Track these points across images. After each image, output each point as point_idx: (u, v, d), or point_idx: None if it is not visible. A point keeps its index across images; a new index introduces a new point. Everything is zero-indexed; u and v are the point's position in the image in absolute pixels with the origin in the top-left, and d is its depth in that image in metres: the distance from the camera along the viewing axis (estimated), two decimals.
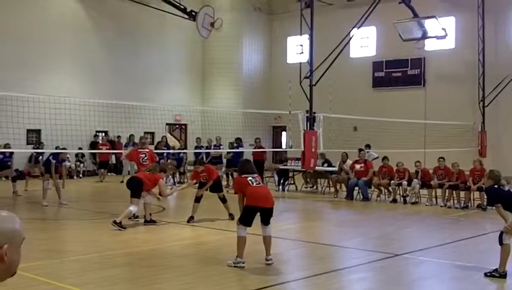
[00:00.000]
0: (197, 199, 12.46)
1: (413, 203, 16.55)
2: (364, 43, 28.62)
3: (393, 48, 26.41)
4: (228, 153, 21.36)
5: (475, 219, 14.12)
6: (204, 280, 7.56)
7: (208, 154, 21.71)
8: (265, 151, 22.02)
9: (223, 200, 12.72)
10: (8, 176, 18.22)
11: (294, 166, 20.36)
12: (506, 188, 8.18)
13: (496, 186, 8.12)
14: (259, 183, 8.49)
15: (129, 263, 8.51)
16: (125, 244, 9.96)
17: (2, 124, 18.73)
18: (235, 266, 8.07)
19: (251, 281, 7.59)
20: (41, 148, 19.28)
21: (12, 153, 17.75)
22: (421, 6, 23.20)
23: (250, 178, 8.43)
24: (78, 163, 25.20)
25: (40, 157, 20.23)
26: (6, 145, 17.30)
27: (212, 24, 22.78)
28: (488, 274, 7.75)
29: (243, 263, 8.10)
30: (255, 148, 20.94)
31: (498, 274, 7.69)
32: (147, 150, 13.41)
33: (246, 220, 8.21)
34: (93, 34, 26.52)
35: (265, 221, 8.34)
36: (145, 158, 12.95)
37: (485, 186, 10.63)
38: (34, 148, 22.15)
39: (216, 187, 12.74)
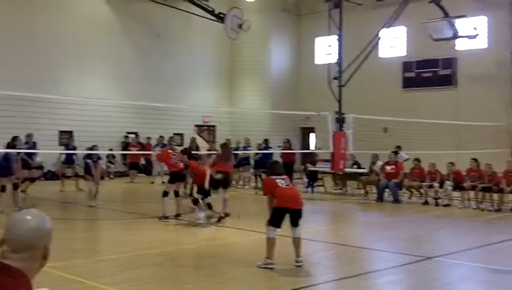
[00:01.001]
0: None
1: (445, 206, 16.30)
2: (394, 43, 28.38)
3: (423, 47, 26.12)
4: (256, 154, 21.35)
5: (508, 222, 13.88)
6: (234, 280, 7.57)
7: (236, 155, 21.71)
8: (294, 153, 21.93)
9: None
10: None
11: (323, 167, 20.26)
12: None
13: None
14: (288, 185, 8.47)
15: (160, 263, 8.55)
16: (157, 244, 10.02)
17: (35, 125, 19.01)
18: (264, 268, 8.06)
19: (280, 282, 7.58)
20: (72, 149, 19.47)
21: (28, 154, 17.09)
22: (452, 5, 22.92)
23: (279, 179, 8.42)
24: (109, 164, 25.45)
25: (74, 157, 20.38)
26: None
27: (240, 26, 22.82)
28: None
29: (273, 264, 8.08)
30: (283, 149, 20.86)
31: None
32: (177, 152, 13.54)
33: (275, 221, 8.19)
34: (123, 36, 26.79)
35: (295, 222, 8.31)
36: (177, 159, 13.06)
37: None
38: (65, 149, 22.43)
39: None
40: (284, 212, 8.21)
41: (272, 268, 8.04)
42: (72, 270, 7.60)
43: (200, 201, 12.26)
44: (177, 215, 12.89)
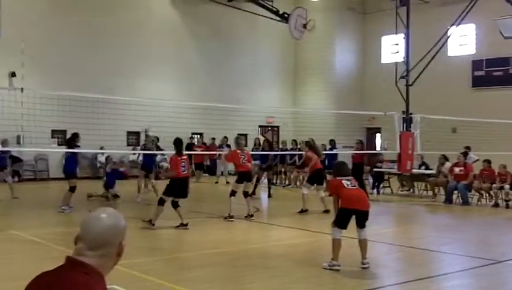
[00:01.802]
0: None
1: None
2: (463, 41, 27.64)
3: (494, 45, 25.32)
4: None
5: None
6: (299, 281, 7.55)
7: (300, 156, 21.64)
8: (364, 154, 21.62)
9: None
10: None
11: (389, 168, 19.94)
12: None
13: None
14: (354, 186, 8.39)
15: (224, 262, 8.63)
16: (221, 243, 10.12)
17: (105, 126, 19.60)
18: (330, 269, 8.00)
19: (346, 284, 7.51)
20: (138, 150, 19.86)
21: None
22: None
23: (345, 180, 8.34)
24: None
25: (140, 159, 20.79)
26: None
27: (304, 25, 22.77)
28: None
29: (338, 265, 8.02)
30: (355, 150, 20.55)
31: None
32: (246, 151, 13.64)
33: (341, 222, 8.13)
34: (188, 38, 27.24)
35: (361, 224, 8.23)
36: (245, 159, 13.15)
37: None
38: (133, 150, 22.97)
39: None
40: (350, 214, 8.14)
41: (337, 270, 7.98)
42: (139, 268, 7.75)
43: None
44: (249, 216, 12.96)
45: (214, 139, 25.72)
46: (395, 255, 9.84)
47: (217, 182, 22.72)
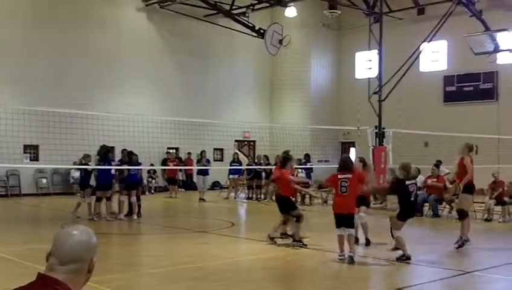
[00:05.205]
0: None
1: (486, 220, 16.08)
2: (434, 57, 28.17)
3: (464, 61, 25.86)
4: (296, 169, 21.34)
5: None
6: None
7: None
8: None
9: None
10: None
11: None
12: None
13: None
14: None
15: (200, 277, 8.69)
16: (197, 258, 10.18)
17: (78, 141, 19.42)
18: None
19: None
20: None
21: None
22: (493, 19, 22.69)
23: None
24: (150, 179, 25.91)
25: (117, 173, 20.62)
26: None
27: (280, 41, 23.04)
28: None
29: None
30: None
31: None
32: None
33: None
34: (165, 53, 27.32)
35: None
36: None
37: None
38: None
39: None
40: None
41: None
42: (113, 284, 7.78)
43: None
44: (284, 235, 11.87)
45: (189, 153, 25.77)
46: (365, 267, 10.01)
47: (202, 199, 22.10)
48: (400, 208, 10.13)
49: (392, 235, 9.94)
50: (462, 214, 11.42)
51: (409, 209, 10.08)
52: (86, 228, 2.40)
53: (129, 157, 16.30)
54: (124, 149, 16.86)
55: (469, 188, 11.32)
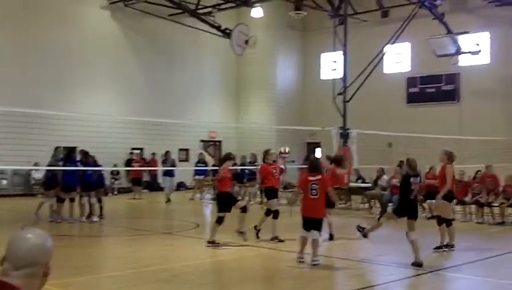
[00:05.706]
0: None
1: None
2: (398, 59, 28.53)
3: (427, 63, 26.26)
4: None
5: (510, 235, 13.96)
6: None
7: (242, 170, 21.69)
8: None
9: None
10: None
11: None
12: None
13: None
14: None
15: (164, 279, 8.59)
16: (161, 260, 10.07)
17: (36, 141, 18.96)
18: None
19: None
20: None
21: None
22: (455, 22, 23.12)
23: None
24: (113, 180, 25.55)
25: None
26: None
27: (246, 41, 23.04)
28: None
29: None
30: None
31: None
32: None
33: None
34: (129, 52, 27.04)
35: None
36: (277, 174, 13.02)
37: None
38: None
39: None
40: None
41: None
42: (75, 287, 7.66)
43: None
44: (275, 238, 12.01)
45: (154, 154, 25.53)
46: (331, 267, 10.05)
47: (169, 200, 21.82)
48: (398, 203, 9.96)
49: (408, 238, 9.54)
50: (441, 221, 11.36)
51: (408, 206, 9.88)
52: (41, 231, 2.34)
53: (85, 157, 15.99)
54: (82, 150, 16.52)
55: (449, 196, 11.37)
